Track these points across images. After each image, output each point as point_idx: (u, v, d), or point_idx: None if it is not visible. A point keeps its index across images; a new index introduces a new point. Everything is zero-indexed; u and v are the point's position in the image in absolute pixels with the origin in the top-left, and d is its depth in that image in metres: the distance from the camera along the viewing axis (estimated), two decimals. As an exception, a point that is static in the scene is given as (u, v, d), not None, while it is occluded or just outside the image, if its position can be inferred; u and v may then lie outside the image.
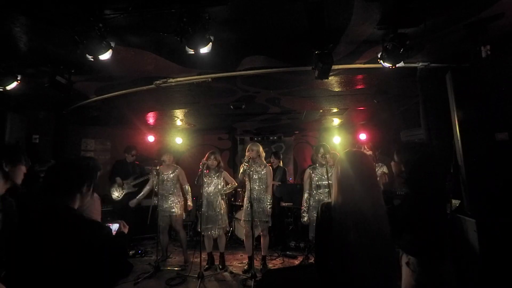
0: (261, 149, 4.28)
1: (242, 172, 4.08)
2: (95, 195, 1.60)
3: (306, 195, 4.14)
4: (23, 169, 1.77)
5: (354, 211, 1.55)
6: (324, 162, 3.97)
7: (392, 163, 2.04)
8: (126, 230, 1.69)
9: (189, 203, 4.65)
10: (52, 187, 1.40)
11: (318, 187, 4.12)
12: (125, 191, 5.14)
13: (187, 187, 4.63)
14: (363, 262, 1.51)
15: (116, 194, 5.12)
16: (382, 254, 1.53)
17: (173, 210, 4.45)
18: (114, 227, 1.66)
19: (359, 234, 1.52)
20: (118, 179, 5.14)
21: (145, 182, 5.02)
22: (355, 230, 1.52)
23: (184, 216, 4.71)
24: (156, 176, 4.46)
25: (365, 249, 1.51)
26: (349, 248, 1.52)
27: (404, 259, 1.86)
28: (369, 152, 4.10)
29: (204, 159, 4.25)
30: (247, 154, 4.16)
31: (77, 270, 1.25)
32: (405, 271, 1.85)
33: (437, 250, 1.79)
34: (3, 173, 1.65)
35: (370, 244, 1.51)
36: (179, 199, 4.53)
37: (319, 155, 4.08)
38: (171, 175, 4.54)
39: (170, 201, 4.47)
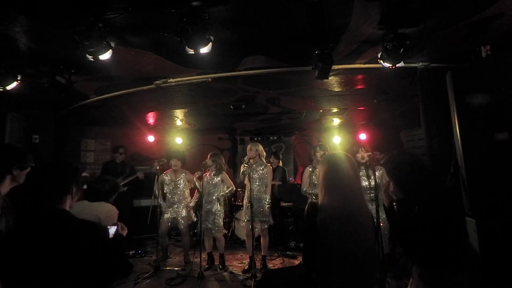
0: (261, 148, 4.29)
1: (242, 173, 4.08)
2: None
3: (305, 189, 4.02)
4: (28, 170, 1.79)
5: (338, 215, 1.55)
6: None
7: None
8: (124, 233, 1.69)
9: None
10: (42, 190, 1.40)
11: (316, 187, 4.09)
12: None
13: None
14: (346, 265, 1.51)
15: None
16: (365, 258, 1.53)
17: (182, 213, 4.44)
18: (112, 229, 1.66)
19: (343, 237, 1.52)
20: None
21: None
22: (338, 234, 1.52)
23: (191, 219, 4.63)
24: (157, 177, 4.45)
25: (348, 252, 1.51)
26: (332, 252, 1.52)
27: (415, 270, 1.74)
28: (368, 153, 4.06)
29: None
30: (248, 153, 4.17)
31: (73, 271, 1.25)
32: (413, 282, 1.77)
33: (448, 261, 1.65)
34: (12, 176, 1.68)
35: (353, 248, 1.52)
36: (187, 203, 4.52)
37: (317, 154, 4.06)
38: (181, 180, 4.54)
39: (178, 204, 4.46)
